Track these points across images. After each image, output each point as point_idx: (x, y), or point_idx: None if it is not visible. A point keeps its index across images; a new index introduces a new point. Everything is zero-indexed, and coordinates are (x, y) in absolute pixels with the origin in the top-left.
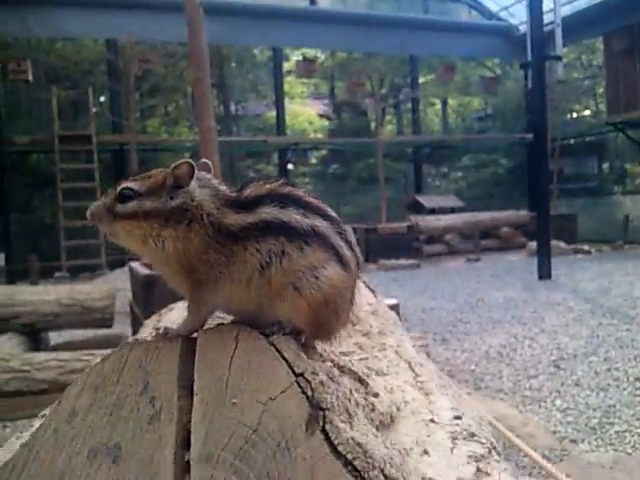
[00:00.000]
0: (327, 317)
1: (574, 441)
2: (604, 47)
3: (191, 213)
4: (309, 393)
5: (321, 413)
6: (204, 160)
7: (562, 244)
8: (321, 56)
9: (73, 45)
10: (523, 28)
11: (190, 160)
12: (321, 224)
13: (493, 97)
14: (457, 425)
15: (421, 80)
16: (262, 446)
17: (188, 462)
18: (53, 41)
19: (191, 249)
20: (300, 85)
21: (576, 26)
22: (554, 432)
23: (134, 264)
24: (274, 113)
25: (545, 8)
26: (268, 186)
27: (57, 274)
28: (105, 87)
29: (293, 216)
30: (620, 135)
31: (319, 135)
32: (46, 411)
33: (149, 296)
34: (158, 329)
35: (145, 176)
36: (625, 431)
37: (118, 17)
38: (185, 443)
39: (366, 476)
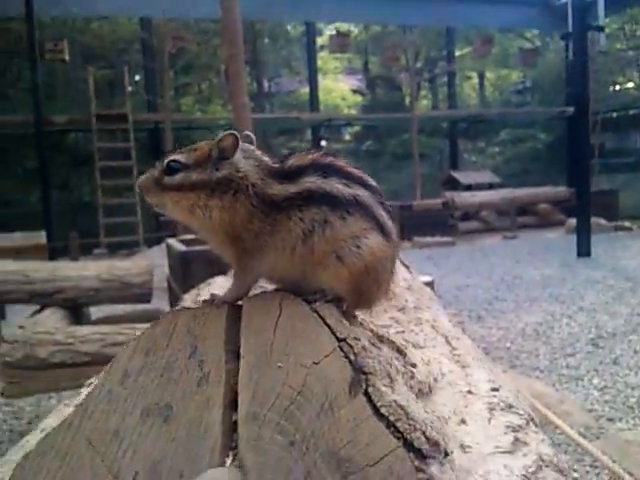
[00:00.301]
0: (368, 285)
1: (611, 419)
2: None
3: (236, 184)
4: (352, 357)
5: (363, 377)
6: (247, 132)
7: (602, 221)
8: (355, 30)
9: (108, 24)
10: None
11: (235, 132)
12: (363, 193)
13: (532, 69)
14: (494, 397)
15: (457, 53)
16: (307, 407)
17: (235, 422)
18: (89, 21)
19: (237, 218)
20: (333, 60)
21: None
22: (590, 410)
23: (171, 241)
24: (307, 89)
25: None
26: (310, 157)
27: (96, 251)
28: (140, 66)
29: (335, 185)
30: None
31: (352, 111)
32: (92, 379)
33: (186, 272)
34: (208, 298)
35: (191, 148)
36: None
37: None
38: (232, 404)
39: (408, 437)
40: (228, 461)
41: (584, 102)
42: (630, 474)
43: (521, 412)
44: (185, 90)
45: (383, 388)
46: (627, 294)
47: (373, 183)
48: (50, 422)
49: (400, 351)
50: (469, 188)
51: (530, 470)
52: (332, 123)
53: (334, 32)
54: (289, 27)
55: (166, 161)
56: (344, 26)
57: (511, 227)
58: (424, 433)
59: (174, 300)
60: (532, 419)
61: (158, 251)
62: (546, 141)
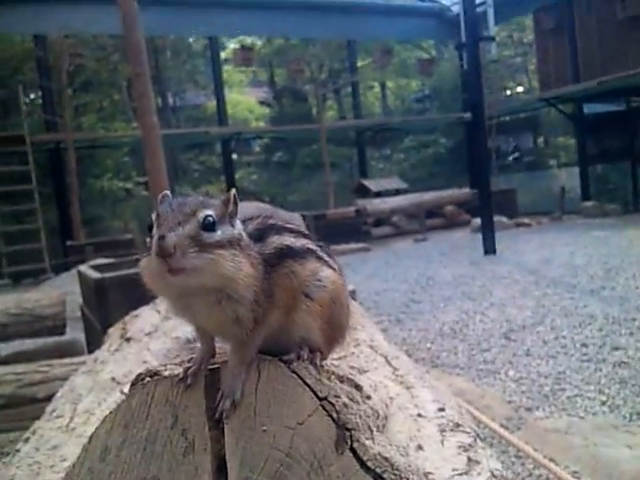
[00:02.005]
0: (337, 316)
1: (529, 409)
2: (534, 25)
3: (244, 242)
4: (334, 415)
5: (348, 433)
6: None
7: (504, 219)
8: (258, 43)
9: None
10: (456, 9)
11: (233, 190)
12: (308, 242)
13: (430, 78)
14: (442, 417)
15: (359, 64)
16: (296, 467)
17: None
18: None
19: (258, 277)
20: (239, 73)
21: (507, 4)
22: (509, 402)
23: (83, 267)
24: (214, 103)
25: None
26: (259, 220)
27: None
28: (36, 85)
29: (291, 240)
30: (552, 110)
31: (260, 123)
32: (29, 434)
33: (102, 300)
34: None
35: (206, 203)
36: (576, 396)
37: (46, 11)
38: (219, 470)
39: None
40: None
41: (480, 108)
42: (552, 460)
43: (468, 430)
44: (86, 108)
45: (367, 442)
46: (532, 287)
47: (307, 232)
48: None
49: (357, 386)
50: (379, 195)
51: None
52: (241, 136)
53: (238, 45)
54: (191, 40)
55: (202, 216)
56: (247, 39)
57: (421, 230)
58: None
59: (90, 330)
60: (478, 435)
61: (67, 278)
62: (447, 146)
